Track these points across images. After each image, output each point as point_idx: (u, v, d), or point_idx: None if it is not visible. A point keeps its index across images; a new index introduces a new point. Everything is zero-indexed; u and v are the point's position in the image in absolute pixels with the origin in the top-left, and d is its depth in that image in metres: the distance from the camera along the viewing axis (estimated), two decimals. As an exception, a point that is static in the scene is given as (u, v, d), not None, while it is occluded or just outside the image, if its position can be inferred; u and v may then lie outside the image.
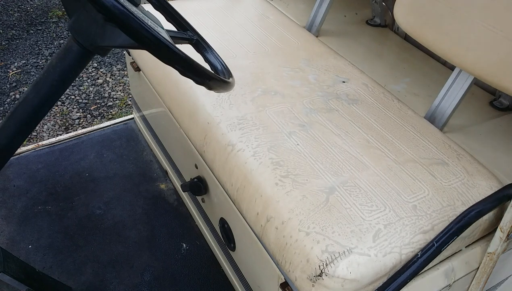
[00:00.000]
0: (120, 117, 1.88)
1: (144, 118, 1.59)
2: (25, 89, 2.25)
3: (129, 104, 2.23)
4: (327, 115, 0.98)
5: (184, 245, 1.30)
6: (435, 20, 1.00)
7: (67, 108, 2.16)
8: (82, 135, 1.64)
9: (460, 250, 0.85)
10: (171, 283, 1.21)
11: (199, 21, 1.31)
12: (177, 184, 1.40)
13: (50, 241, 1.27)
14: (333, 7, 1.38)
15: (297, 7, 1.55)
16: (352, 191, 0.80)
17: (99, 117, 2.13)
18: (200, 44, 0.89)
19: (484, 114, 1.17)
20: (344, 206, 0.77)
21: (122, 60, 2.52)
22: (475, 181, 0.86)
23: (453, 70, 1.03)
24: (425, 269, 0.75)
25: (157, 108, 1.37)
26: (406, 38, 1.48)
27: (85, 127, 1.92)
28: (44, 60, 2.45)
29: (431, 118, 1.05)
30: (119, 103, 2.22)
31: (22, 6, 2.91)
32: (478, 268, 0.88)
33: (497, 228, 0.81)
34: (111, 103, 2.22)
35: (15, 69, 2.37)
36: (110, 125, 1.71)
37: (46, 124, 2.05)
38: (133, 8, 0.67)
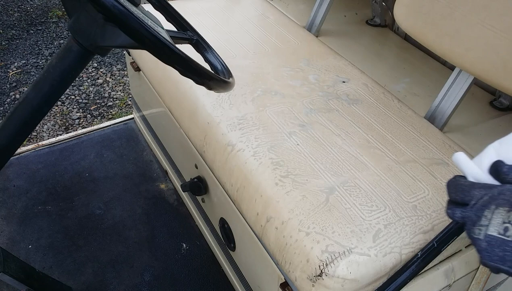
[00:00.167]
0: (120, 117, 1.88)
1: (144, 118, 1.59)
2: (25, 89, 2.25)
3: (129, 104, 2.23)
4: (327, 115, 0.98)
5: (184, 245, 1.30)
6: (435, 20, 1.00)
7: (67, 108, 2.16)
8: (82, 135, 1.64)
9: (460, 250, 0.85)
10: (171, 283, 1.21)
11: (199, 21, 1.31)
12: (177, 184, 1.40)
13: (50, 241, 1.27)
14: (333, 7, 1.38)
15: (297, 7, 1.55)
16: (352, 191, 0.80)
17: (99, 117, 2.13)
18: (200, 44, 0.89)
19: (484, 114, 1.17)
20: (344, 206, 0.77)
21: (122, 60, 2.52)
22: (475, 181, 0.86)
23: (453, 70, 1.03)
24: (425, 269, 0.75)
25: (157, 108, 1.37)
26: (406, 38, 1.48)
27: (85, 127, 1.92)
28: (44, 60, 2.45)
29: (431, 118, 1.05)
30: (119, 103, 2.22)
31: (22, 6, 2.91)
32: (478, 268, 0.88)
33: (497, 228, 0.81)
34: (111, 103, 2.22)
35: (15, 69, 2.37)
36: (110, 125, 1.71)
37: (46, 124, 2.05)
38: (133, 8, 0.67)
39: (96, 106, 2.19)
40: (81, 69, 0.72)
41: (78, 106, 2.18)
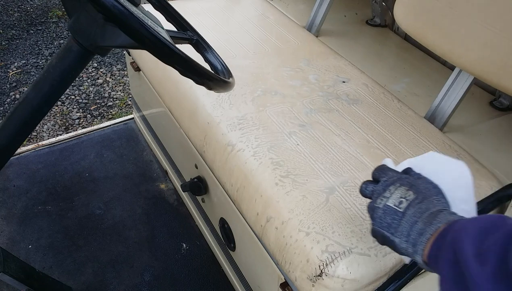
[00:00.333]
0: (120, 117, 1.88)
1: (144, 118, 1.59)
2: (25, 89, 2.25)
3: (129, 104, 2.23)
4: (327, 115, 0.98)
5: (184, 245, 1.30)
6: (435, 20, 1.00)
7: (67, 108, 2.16)
8: (82, 135, 1.64)
9: (460, 250, 0.85)
10: (171, 283, 1.21)
11: (199, 21, 1.31)
12: (177, 184, 1.40)
13: (50, 241, 1.27)
14: (333, 7, 1.38)
15: (297, 7, 1.55)
16: (352, 191, 0.80)
17: (99, 117, 2.13)
18: (200, 44, 0.89)
19: (484, 114, 1.17)
20: (344, 206, 0.77)
21: (122, 60, 2.52)
22: (475, 181, 0.86)
23: (453, 70, 1.03)
24: (425, 269, 0.75)
25: (157, 108, 1.37)
26: (406, 38, 1.48)
27: (85, 127, 1.92)
28: (44, 60, 2.45)
29: (431, 118, 1.05)
30: (119, 103, 2.22)
31: (22, 6, 2.91)
32: (478, 268, 0.87)
33: (497, 228, 0.81)
34: (111, 103, 2.22)
35: (15, 69, 2.37)
36: (110, 125, 1.71)
37: (46, 124, 2.05)
38: (133, 8, 0.67)
39: (96, 106, 2.19)
40: (81, 69, 0.72)
41: (78, 106, 2.18)
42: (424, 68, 1.33)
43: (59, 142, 1.60)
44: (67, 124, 2.07)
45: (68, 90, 2.13)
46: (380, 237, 0.58)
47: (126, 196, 1.43)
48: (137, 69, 1.39)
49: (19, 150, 1.53)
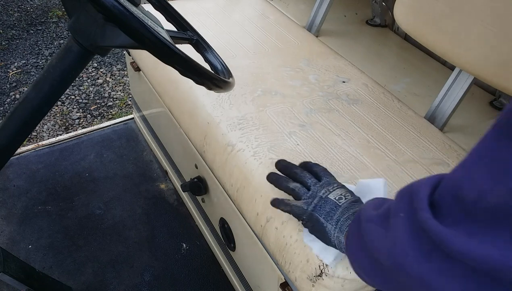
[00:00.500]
0: (120, 117, 1.88)
1: (144, 118, 1.59)
2: (25, 89, 2.25)
3: (129, 104, 2.23)
4: (327, 115, 0.98)
5: (184, 245, 1.30)
6: (435, 20, 1.00)
7: (67, 108, 2.16)
8: (82, 135, 1.64)
9: (460, 250, 0.85)
10: (171, 283, 1.21)
11: (199, 21, 1.31)
12: (177, 184, 1.40)
13: (50, 241, 1.27)
14: (333, 7, 1.38)
15: (297, 7, 1.55)
16: (352, 191, 0.80)
17: (99, 117, 2.13)
18: (200, 44, 0.89)
19: (484, 114, 1.17)
20: (344, 206, 0.77)
21: (122, 60, 2.52)
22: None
23: (453, 70, 1.03)
24: (425, 269, 0.75)
25: (157, 108, 1.37)
26: (406, 38, 1.48)
27: (85, 127, 1.92)
28: (44, 60, 2.45)
29: (431, 118, 1.05)
30: (119, 103, 2.22)
31: (22, 6, 2.91)
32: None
33: (497, 228, 0.81)
34: (111, 103, 2.22)
35: (15, 69, 2.37)
36: (110, 125, 1.71)
37: (46, 124, 2.05)
38: (133, 8, 0.67)
39: (96, 106, 2.19)
40: (81, 69, 0.72)
41: (78, 106, 2.18)
42: (424, 68, 1.33)
43: (59, 142, 1.60)
44: (67, 124, 2.07)
45: (68, 90, 2.13)
46: (315, 221, 0.66)
47: (126, 196, 1.43)
48: (137, 69, 1.40)
49: (19, 150, 1.53)
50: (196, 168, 1.15)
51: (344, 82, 1.11)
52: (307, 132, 0.93)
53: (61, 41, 2.62)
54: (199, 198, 1.24)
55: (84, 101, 2.21)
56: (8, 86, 2.25)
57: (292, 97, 1.03)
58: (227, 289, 1.21)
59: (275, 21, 1.37)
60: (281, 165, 0.78)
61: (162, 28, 0.78)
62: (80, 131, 1.67)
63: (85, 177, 1.48)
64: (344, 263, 0.69)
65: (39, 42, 2.59)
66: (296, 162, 0.77)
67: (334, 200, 0.66)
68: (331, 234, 0.64)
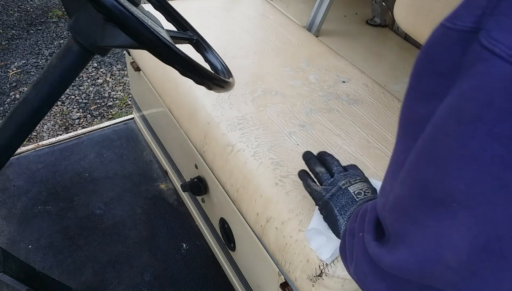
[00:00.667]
0: (120, 117, 1.88)
1: (144, 118, 1.59)
2: (25, 89, 2.25)
3: (129, 104, 2.23)
4: (328, 115, 0.98)
5: (184, 245, 1.30)
6: (435, 20, 1.00)
7: (67, 108, 2.16)
8: (82, 135, 1.64)
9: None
10: (171, 283, 1.21)
11: (199, 21, 1.31)
12: (177, 184, 1.40)
13: (50, 241, 1.27)
14: (333, 7, 1.38)
15: (297, 7, 1.55)
16: (352, 191, 0.80)
17: (99, 117, 2.13)
18: (200, 44, 0.89)
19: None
20: (344, 206, 0.77)
21: (122, 60, 2.52)
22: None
23: (453, 70, 1.03)
24: (425, 269, 0.75)
25: (157, 108, 1.37)
26: (406, 38, 1.48)
27: (85, 127, 1.92)
28: (44, 60, 2.45)
29: (431, 118, 1.05)
30: (119, 103, 2.22)
31: (22, 6, 2.91)
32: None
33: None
34: (111, 103, 2.22)
35: (15, 69, 2.37)
36: (110, 125, 1.71)
37: (46, 124, 2.05)
38: (133, 8, 0.67)
39: (96, 106, 2.19)
40: (81, 69, 0.72)
41: (78, 106, 2.18)
42: (424, 68, 1.33)
43: (59, 142, 1.60)
44: (67, 124, 2.07)
45: (68, 90, 2.13)
46: (329, 211, 0.64)
47: (126, 196, 1.43)
48: (137, 69, 1.40)
49: (19, 150, 1.53)
50: (196, 168, 1.15)
51: (344, 82, 1.11)
52: (307, 132, 0.93)
53: (61, 41, 2.62)
54: (199, 198, 1.24)
55: (84, 101, 2.21)
56: (8, 86, 2.25)
57: (292, 97, 1.03)
58: (227, 289, 1.21)
59: (275, 21, 1.37)
60: (319, 152, 0.77)
61: (162, 28, 0.78)
62: (80, 131, 1.67)
63: (85, 177, 1.48)
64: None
65: (39, 42, 2.59)
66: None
67: (353, 193, 0.64)
68: (341, 228, 0.63)
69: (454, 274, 0.34)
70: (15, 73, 2.33)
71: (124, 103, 2.23)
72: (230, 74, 0.87)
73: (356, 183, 0.66)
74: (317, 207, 0.68)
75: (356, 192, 0.64)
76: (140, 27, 0.55)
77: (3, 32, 2.63)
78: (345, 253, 0.53)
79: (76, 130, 1.91)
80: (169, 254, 1.28)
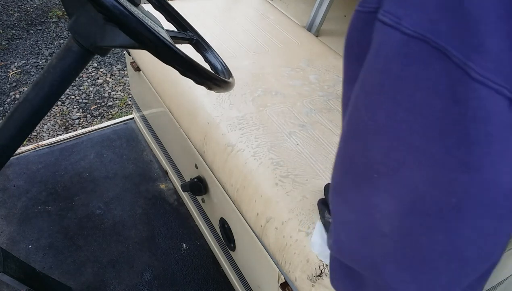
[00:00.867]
0: (120, 117, 1.88)
1: (144, 118, 1.59)
2: (25, 89, 2.25)
3: (129, 104, 2.23)
4: (328, 115, 0.98)
5: (184, 245, 1.30)
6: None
7: (67, 108, 2.16)
8: (82, 135, 1.64)
9: (460, 250, 0.85)
10: (171, 283, 1.21)
11: (199, 21, 1.31)
12: (177, 184, 1.40)
13: (50, 241, 1.27)
14: (333, 7, 1.38)
15: (297, 7, 1.55)
16: (352, 191, 0.80)
17: (99, 117, 2.13)
18: (200, 44, 0.89)
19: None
20: (344, 206, 0.77)
21: (122, 60, 2.52)
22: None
23: (453, 70, 1.03)
24: (425, 269, 0.75)
25: (157, 108, 1.37)
26: (406, 38, 1.48)
27: (85, 127, 1.92)
28: (44, 60, 2.45)
29: (431, 118, 1.05)
30: (119, 103, 2.22)
31: (22, 6, 2.91)
32: (478, 268, 0.87)
33: (497, 228, 0.81)
34: (111, 103, 2.22)
35: (15, 69, 2.37)
36: (110, 125, 1.71)
37: (46, 124, 2.05)
38: (133, 8, 0.67)
39: (96, 106, 2.19)
40: (81, 69, 0.72)
41: (78, 106, 2.18)
42: (424, 68, 1.33)
43: (59, 142, 1.60)
44: (67, 124, 2.07)
45: (68, 90, 2.13)
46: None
47: (126, 196, 1.43)
48: (137, 69, 1.40)
49: (19, 150, 1.53)
50: (196, 168, 1.15)
51: (344, 82, 1.11)
52: (307, 133, 0.93)
53: (61, 41, 2.62)
54: (199, 198, 1.24)
55: (84, 101, 2.21)
56: (8, 86, 2.25)
57: (292, 97, 1.03)
58: (227, 289, 1.21)
59: (275, 21, 1.37)
60: None
61: (162, 28, 0.78)
62: (80, 131, 1.67)
63: (85, 177, 1.48)
64: (344, 263, 0.69)
65: (39, 42, 2.59)
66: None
67: None
68: None
69: (389, 241, 0.35)
70: (15, 73, 2.33)
71: (124, 103, 2.23)
72: (230, 74, 0.87)
73: None
74: (319, 220, 0.69)
75: None
76: (140, 27, 0.55)
77: (3, 32, 2.63)
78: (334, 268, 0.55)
79: (76, 130, 1.91)
80: (169, 254, 1.28)
